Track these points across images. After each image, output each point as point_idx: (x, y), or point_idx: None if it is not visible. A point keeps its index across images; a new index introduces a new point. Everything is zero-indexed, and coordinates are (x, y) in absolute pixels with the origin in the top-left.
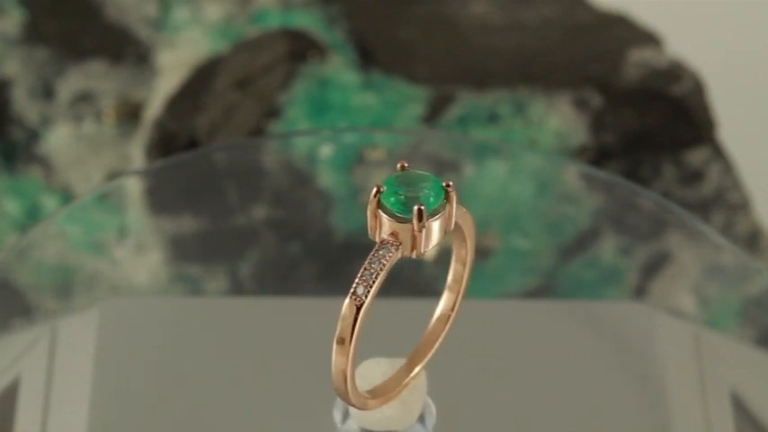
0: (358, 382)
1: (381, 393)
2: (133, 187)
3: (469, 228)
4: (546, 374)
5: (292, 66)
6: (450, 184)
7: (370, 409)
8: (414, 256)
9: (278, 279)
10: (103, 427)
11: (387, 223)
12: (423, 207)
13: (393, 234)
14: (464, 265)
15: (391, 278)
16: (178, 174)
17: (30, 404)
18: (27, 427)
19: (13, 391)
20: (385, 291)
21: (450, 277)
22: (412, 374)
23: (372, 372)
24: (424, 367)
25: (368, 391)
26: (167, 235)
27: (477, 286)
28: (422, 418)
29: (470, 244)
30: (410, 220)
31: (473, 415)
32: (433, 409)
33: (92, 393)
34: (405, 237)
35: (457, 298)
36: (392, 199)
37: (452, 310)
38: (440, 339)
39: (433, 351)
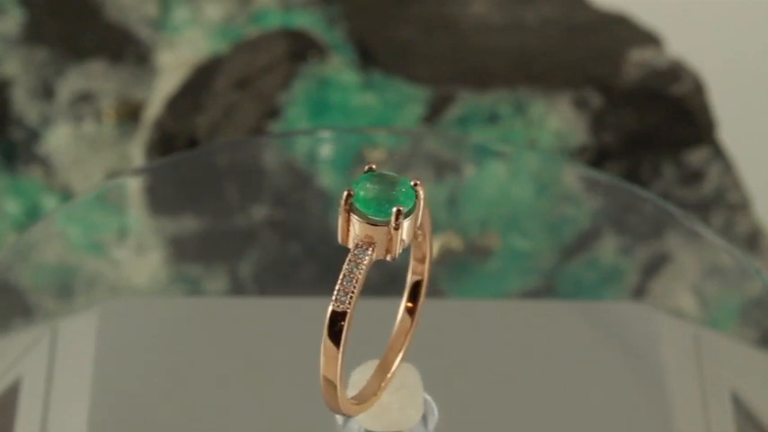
0: (356, 385)
1: (365, 398)
2: (133, 187)
3: (428, 223)
4: (546, 374)
5: (292, 66)
6: (419, 182)
7: (354, 414)
8: (388, 258)
9: (278, 279)
10: (103, 427)
11: (359, 226)
12: (401, 208)
13: (367, 237)
14: (424, 260)
15: (391, 278)
16: (178, 173)
17: (30, 404)
18: (27, 427)
19: (13, 391)
20: (385, 291)
21: (410, 274)
22: (389, 374)
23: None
24: (399, 366)
25: (353, 397)
26: (167, 235)
27: (478, 286)
28: (423, 419)
29: (430, 239)
30: (386, 223)
31: (474, 415)
32: (435, 409)
33: (92, 393)
34: (379, 239)
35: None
36: (365, 202)
37: (416, 303)
38: (409, 336)
39: (404, 349)
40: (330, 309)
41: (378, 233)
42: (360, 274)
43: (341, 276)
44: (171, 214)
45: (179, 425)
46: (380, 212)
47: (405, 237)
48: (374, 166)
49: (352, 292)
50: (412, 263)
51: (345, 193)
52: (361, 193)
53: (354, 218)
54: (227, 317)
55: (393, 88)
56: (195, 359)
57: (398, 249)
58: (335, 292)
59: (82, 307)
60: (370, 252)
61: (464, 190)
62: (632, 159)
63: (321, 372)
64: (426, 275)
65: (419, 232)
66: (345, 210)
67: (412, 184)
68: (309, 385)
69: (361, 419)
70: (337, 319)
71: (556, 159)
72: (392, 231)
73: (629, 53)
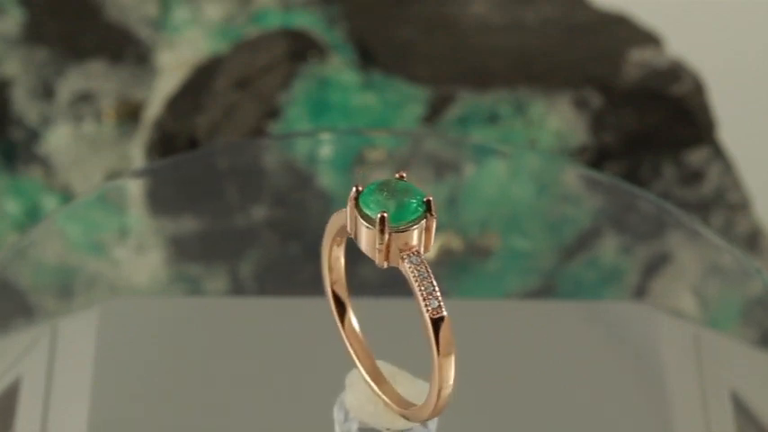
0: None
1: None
2: (133, 187)
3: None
4: (546, 374)
5: (292, 66)
6: (403, 174)
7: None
8: (427, 254)
9: (278, 279)
10: (103, 427)
11: (398, 239)
12: (430, 198)
13: (406, 246)
14: (338, 261)
15: (392, 278)
16: (178, 174)
17: (30, 404)
18: (27, 427)
19: (13, 391)
20: (385, 291)
21: (327, 281)
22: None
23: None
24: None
25: (404, 405)
26: (167, 235)
27: (478, 286)
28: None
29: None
30: (419, 221)
31: (474, 415)
32: None
33: (92, 393)
34: (416, 240)
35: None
36: (393, 216)
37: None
38: (360, 335)
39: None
40: (428, 319)
41: (412, 236)
42: (432, 277)
43: (418, 287)
44: (171, 214)
45: (179, 425)
46: (409, 215)
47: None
48: (361, 188)
49: (438, 297)
50: (327, 269)
51: (379, 216)
52: (380, 207)
53: (395, 234)
54: (227, 317)
55: (393, 88)
56: (195, 359)
57: (432, 241)
58: (424, 304)
59: (82, 307)
60: (420, 254)
61: (464, 190)
62: (632, 159)
63: (442, 390)
64: (342, 276)
65: (339, 239)
66: (388, 232)
67: (397, 177)
68: (310, 385)
69: (381, 421)
70: (439, 325)
71: (556, 159)
72: (431, 221)
73: (629, 53)
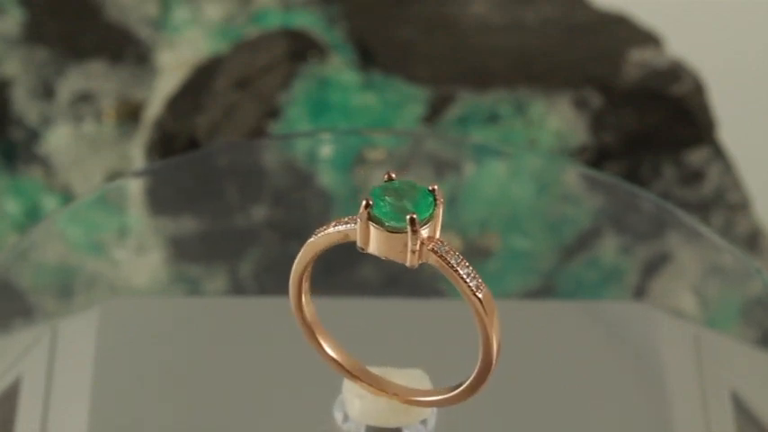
0: (356, 401)
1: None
2: (133, 187)
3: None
4: (546, 374)
5: (292, 66)
6: (393, 174)
7: None
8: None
9: (278, 279)
10: (103, 427)
11: (425, 234)
12: (435, 186)
13: (429, 240)
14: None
15: (391, 278)
16: (178, 174)
17: (30, 404)
18: (27, 427)
19: (13, 391)
20: (385, 291)
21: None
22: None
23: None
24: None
25: (441, 389)
26: (167, 235)
27: None
28: (423, 419)
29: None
30: (433, 213)
31: (473, 414)
32: (435, 408)
33: (92, 393)
34: (430, 231)
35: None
36: (420, 210)
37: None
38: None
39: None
40: (475, 299)
41: (424, 230)
42: (464, 259)
43: (456, 274)
44: (171, 214)
45: (179, 425)
46: (426, 208)
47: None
48: (371, 202)
49: (477, 276)
50: (298, 301)
51: (409, 218)
52: (399, 212)
53: (424, 231)
54: (227, 317)
55: (393, 88)
56: (195, 359)
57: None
58: (468, 287)
59: (82, 307)
60: (449, 244)
61: (464, 190)
62: (632, 159)
63: (494, 359)
64: (312, 305)
65: (310, 263)
66: (419, 229)
67: (387, 178)
68: (310, 385)
69: (401, 420)
70: (485, 300)
71: (556, 159)
72: (439, 208)
73: (629, 53)
